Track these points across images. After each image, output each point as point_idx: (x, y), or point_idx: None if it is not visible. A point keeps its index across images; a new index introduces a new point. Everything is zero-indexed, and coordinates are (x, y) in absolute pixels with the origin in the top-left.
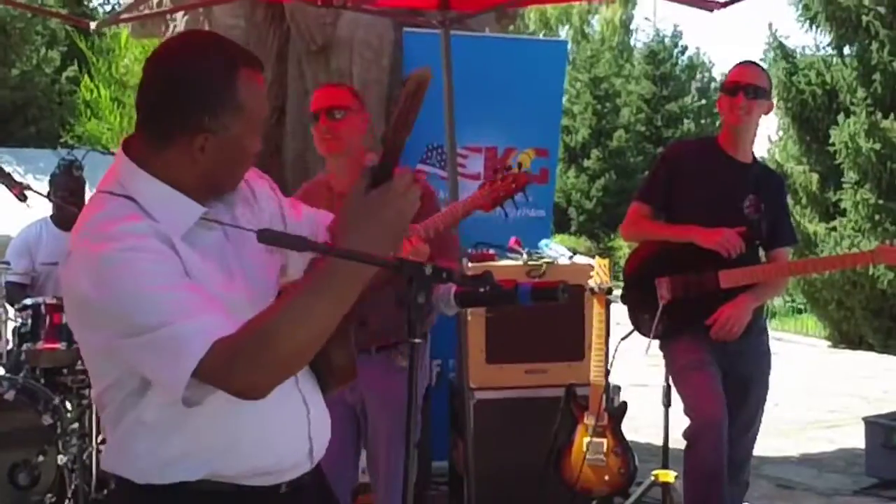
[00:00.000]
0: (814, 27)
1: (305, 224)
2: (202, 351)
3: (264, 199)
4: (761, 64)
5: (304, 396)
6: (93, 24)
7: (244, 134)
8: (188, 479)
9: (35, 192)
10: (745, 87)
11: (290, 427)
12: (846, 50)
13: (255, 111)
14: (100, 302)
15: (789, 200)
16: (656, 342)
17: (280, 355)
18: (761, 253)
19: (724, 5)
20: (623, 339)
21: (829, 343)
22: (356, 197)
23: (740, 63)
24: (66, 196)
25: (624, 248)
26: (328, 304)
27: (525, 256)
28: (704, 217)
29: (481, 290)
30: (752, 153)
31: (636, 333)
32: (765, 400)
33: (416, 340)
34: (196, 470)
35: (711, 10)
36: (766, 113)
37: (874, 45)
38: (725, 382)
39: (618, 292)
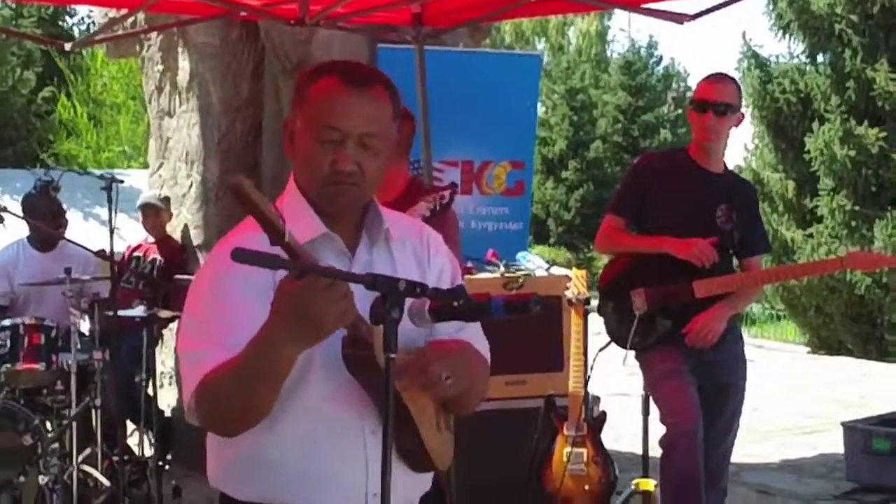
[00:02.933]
0: (787, 36)
1: None
2: (195, 381)
3: (436, 269)
4: (734, 74)
5: (368, 452)
6: (67, 46)
7: (304, 130)
8: (239, 497)
9: (12, 213)
10: (715, 104)
11: (342, 475)
12: (819, 58)
13: (315, 109)
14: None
15: (766, 208)
16: (633, 353)
17: (215, 408)
18: (735, 262)
19: (694, 17)
20: (601, 349)
21: (809, 349)
22: (282, 284)
23: (708, 77)
24: (49, 219)
25: (603, 258)
26: (252, 376)
27: (502, 269)
28: (677, 228)
29: (455, 304)
30: (724, 163)
31: (614, 344)
32: (741, 407)
33: (392, 355)
34: (245, 488)
35: (681, 23)
36: (737, 125)
37: (847, 53)
38: (702, 390)
39: (596, 303)
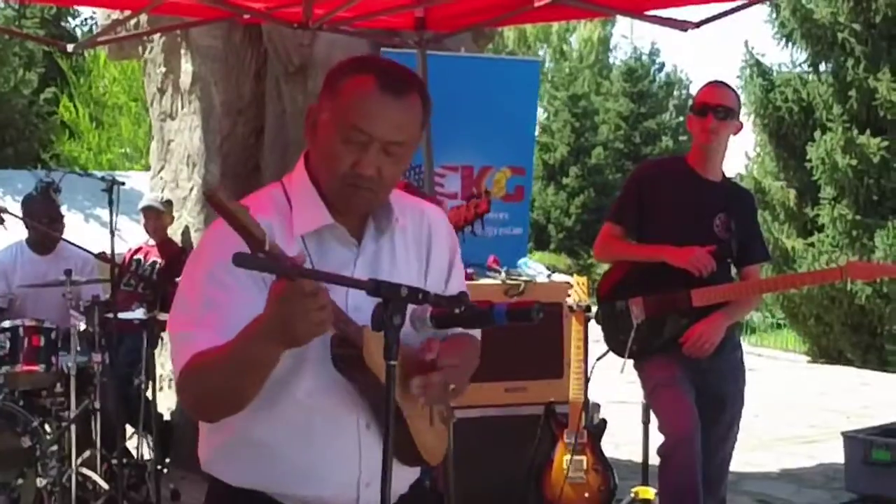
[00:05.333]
0: (790, 44)
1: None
2: (184, 360)
3: (437, 259)
4: (735, 82)
5: (362, 444)
6: (70, 47)
7: (331, 124)
8: (232, 483)
9: (12, 214)
10: (715, 108)
11: (336, 468)
12: (822, 66)
13: (346, 108)
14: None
15: (767, 216)
16: (631, 361)
17: (198, 392)
18: (734, 270)
19: (698, 25)
20: (599, 358)
21: (809, 358)
22: (272, 286)
23: (709, 83)
24: (45, 223)
25: (603, 265)
26: (237, 366)
27: (503, 275)
28: (675, 236)
29: (457, 310)
30: (722, 171)
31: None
32: (740, 415)
33: (393, 363)
34: (237, 474)
35: (685, 30)
36: (736, 133)
37: (849, 62)
38: (700, 399)
39: (596, 310)
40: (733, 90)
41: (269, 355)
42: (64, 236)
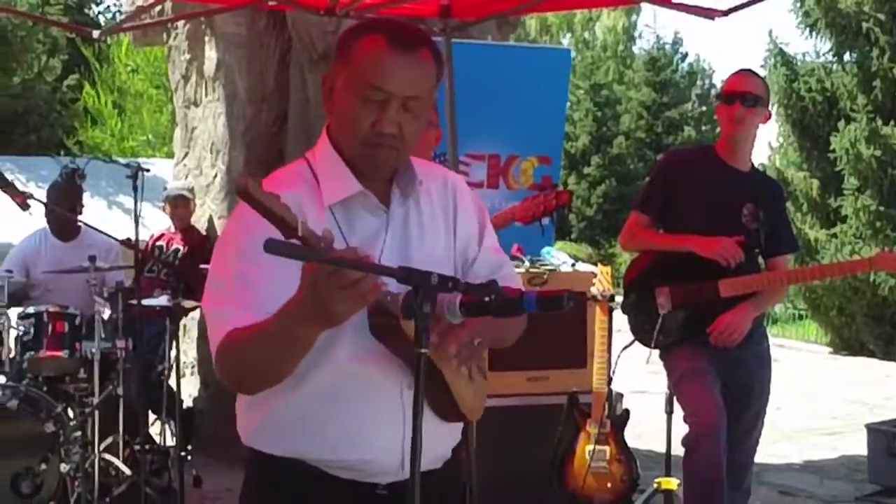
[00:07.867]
0: (814, 34)
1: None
2: (220, 337)
3: (464, 223)
4: (759, 71)
5: (406, 407)
6: (95, 33)
7: (346, 88)
8: (276, 453)
9: (38, 200)
10: (743, 95)
11: (379, 431)
12: (846, 56)
13: (360, 68)
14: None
15: (790, 207)
16: (657, 351)
17: (237, 368)
18: (762, 261)
19: (725, 13)
20: (625, 348)
21: (831, 350)
22: (304, 266)
23: (737, 71)
24: (69, 210)
25: (624, 254)
26: (275, 344)
27: (527, 264)
28: (702, 226)
29: (487, 299)
30: (751, 161)
31: (638, 342)
32: (766, 407)
33: (423, 350)
34: (281, 444)
35: (713, 18)
36: (764, 122)
37: (874, 52)
38: (726, 390)
39: (619, 300)
40: (761, 78)
41: (307, 334)
42: (87, 222)
